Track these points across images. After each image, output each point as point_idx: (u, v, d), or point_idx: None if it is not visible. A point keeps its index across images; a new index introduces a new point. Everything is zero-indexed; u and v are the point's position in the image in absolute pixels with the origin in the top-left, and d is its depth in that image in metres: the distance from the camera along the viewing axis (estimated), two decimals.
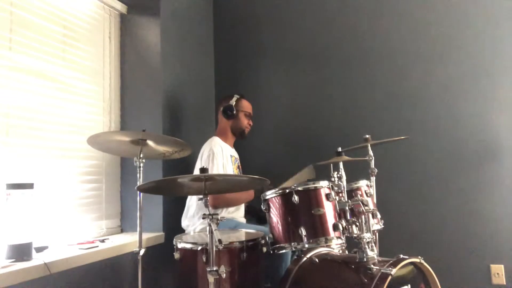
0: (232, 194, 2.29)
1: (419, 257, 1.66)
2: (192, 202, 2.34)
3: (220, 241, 1.42)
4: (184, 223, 2.36)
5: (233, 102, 2.51)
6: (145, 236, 2.14)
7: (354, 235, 1.75)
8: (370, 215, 1.76)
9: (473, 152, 2.67)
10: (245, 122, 2.56)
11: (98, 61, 2.38)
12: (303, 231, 1.76)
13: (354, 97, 2.96)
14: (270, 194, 1.90)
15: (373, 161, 2.34)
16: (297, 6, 3.17)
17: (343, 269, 1.79)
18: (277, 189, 1.88)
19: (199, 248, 1.68)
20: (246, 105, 2.58)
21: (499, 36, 2.68)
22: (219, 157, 2.32)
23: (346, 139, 2.61)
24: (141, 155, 1.84)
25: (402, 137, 2.42)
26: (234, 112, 2.49)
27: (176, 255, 1.78)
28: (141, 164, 1.85)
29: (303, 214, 1.81)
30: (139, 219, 1.83)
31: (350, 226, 1.77)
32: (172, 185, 1.67)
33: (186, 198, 2.41)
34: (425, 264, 1.67)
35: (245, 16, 3.33)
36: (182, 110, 2.77)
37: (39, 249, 1.75)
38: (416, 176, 2.78)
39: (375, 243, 2.08)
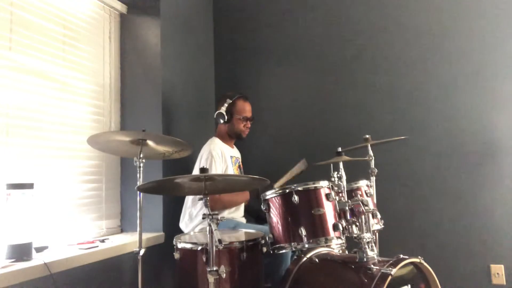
0: (228, 197, 2.30)
1: (419, 257, 1.66)
2: (186, 208, 2.35)
3: (220, 241, 1.42)
4: (182, 226, 2.37)
5: (224, 108, 2.42)
6: (145, 236, 2.14)
7: (354, 235, 1.75)
8: (370, 215, 1.76)
9: (473, 152, 2.67)
10: (240, 127, 2.47)
11: (98, 61, 2.38)
12: (303, 231, 1.76)
13: (354, 97, 2.96)
14: (270, 194, 1.90)
15: (373, 161, 2.34)
16: (297, 6, 3.17)
17: (343, 269, 1.79)
18: (276, 189, 1.88)
19: (199, 248, 1.68)
20: (241, 109, 2.47)
21: (500, 36, 2.68)
22: (218, 160, 2.30)
23: (346, 139, 2.61)
24: (141, 155, 1.84)
25: (402, 137, 2.42)
26: (226, 119, 2.42)
27: (176, 255, 1.78)
28: (141, 164, 1.84)
29: (303, 214, 1.80)
30: (139, 219, 1.83)
31: (350, 226, 1.77)
32: (172, 185, 1.67)
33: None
34: (425, 264, 1.67)
35: (245, 16, 3.33)
36: (182, 110, 2.77)
37: (39, 249, 1.75)
38: (416, 176, 2.77)
39: (375, 243, 2.08)
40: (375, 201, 2.27)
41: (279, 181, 2.35)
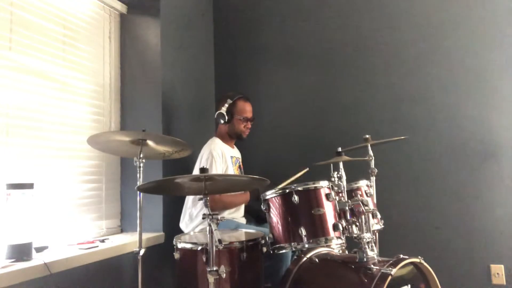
0: (229, 198, 2.30)
1: (419, 257, 1.66)
2: (186, 208, 2.35)
3: (220, 241, 1.42)
4: (182, 226, 2.37)
5: (224, 108, 2.42)
6: (145, 236, 2.14)
7: (354, 235, 1.75)
8: (370, 215, 1.76)
9: (473, 152, 2.67)
10: (240, 127, 2.48)
11: (98, 61, 2.38)
12: (303, 231, 1.76)
13: (354, 97, 2.96)
14: (270, 194, 1.90)
15: (373, 161, 2.34)
16: (297, 6, 3.17)
17: (343, 269, 1.79)
18: (277, 189, 1.88)
19: (199, 248, 1.68)
20: (241, 109, 2.47)
21: (500, 36, 2.67)
22: (218, 160, 2.30)
23: (346, 139, 2.60)
24: (141, 155, 1.84)
25: (402, 137, 2.43)
26: (226, 119, 2.43)
27: (176, 255, 1.78)
28: (141, 164, 1.84)
29: (303, 214, 1.80)
30: (139, 219, 1.83)
31: (350, 226, 1.77)
32: (172, 185, 1.67)
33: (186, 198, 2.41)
34: (425, 264, 1.67)
35: (245, 16, 3.33)
36: (182, 110, 2.77)
37: (39, 249, 1.75)
38: (416, 176, 2.77)
39: (375, 243, 2.08)
40: (375, 201, 2.27)
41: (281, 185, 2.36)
